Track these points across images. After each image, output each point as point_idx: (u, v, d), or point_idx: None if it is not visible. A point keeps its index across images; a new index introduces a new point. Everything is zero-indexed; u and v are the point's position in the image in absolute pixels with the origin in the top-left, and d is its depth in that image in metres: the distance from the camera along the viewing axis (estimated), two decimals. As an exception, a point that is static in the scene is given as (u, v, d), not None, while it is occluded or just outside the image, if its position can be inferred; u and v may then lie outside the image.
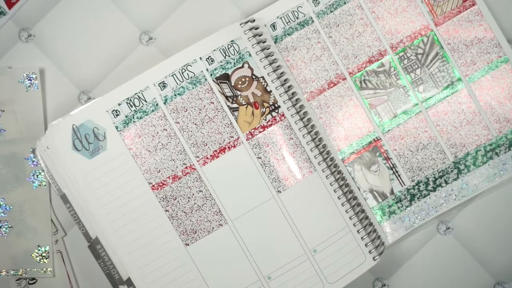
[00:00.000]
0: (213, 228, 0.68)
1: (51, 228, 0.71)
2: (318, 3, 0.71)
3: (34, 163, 0.71)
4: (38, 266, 0.71)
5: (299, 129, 0.69)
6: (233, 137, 0.68)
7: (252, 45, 0.69)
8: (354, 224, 0.69)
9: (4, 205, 0.71)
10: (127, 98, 0.67)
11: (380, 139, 0.72)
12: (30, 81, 0.71)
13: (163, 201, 0.67)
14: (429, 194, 0.71)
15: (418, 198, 0.71)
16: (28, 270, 0.71)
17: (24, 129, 0.71)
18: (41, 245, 0.71)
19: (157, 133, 0.67)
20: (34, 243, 0.71)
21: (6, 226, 0.71)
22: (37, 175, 0.71)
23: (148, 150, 0.67)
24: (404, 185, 0.71)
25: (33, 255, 0.71)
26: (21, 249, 0.71)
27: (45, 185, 0.71)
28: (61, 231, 0.72)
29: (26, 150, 0.71)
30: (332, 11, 0.71)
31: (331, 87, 0.71)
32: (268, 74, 0.69)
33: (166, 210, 0.67)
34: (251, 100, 0.68)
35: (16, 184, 0.71)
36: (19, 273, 0.71)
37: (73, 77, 0.73)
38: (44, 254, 0.71)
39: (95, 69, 0.73)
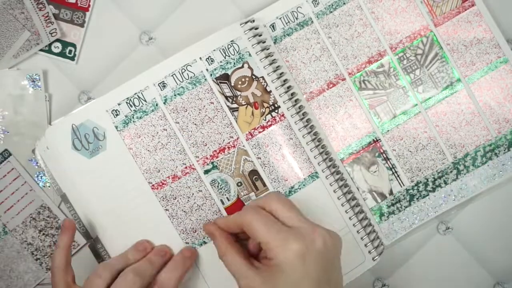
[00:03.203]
0: (212, 228, 0.68)
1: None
2: (317, 4, 0.71)
3: (38, 164, 0.71)
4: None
5: (298, 129, 0.69)
6: (232, 137, 0.68)
7: (252, 45, 0.69)
8: (353, 225, 0.69)
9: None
10: (127, 98, 0.67)
11: (380, 139, 0.72)
12: (33, 83, 0.71)
13: (163, 200, 0.67)
14: (428, 195, 0.71)
15: (417, 198, 0.71)
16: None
17: (27, 130, 0.71)
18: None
19: (157, 133, 0.67)
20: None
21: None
22: (41, 176, 0.71)
23: (148, 150, 0.67)
24: (403, 185, 0.71)
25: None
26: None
27: (49, 186, 0.71)
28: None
29: (30, 152, 0.71)
30: (331, 12, 0.71)
31: (331, 88, 0.71)
32: (268, 74, 0.69)
33: (166, 210, 0.67)
34: (251, 100, 0.69)
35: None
36: None
37: (73, 77, 0.73)
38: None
39: (95, 69, 0.73)
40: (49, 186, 0.71)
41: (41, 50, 0.72)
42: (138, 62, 0.73)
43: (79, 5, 0.73)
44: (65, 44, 0.73)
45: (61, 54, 0.73)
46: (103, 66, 0.73)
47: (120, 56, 0.73)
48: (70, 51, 0.73)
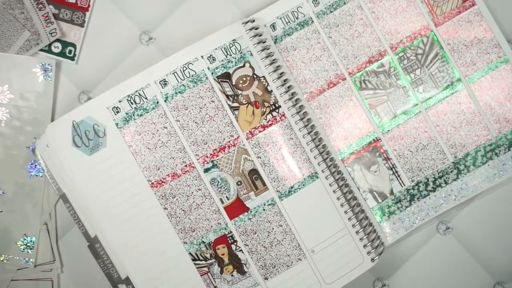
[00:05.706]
0: (211, 226, 0.68)
1: (40, 219, 0.71)
2: (318, 4, 0.72)
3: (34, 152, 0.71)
4: (21, 255, 0.71)
5: (299, 129, 0.69)
6: (233, 136, 0.68)
7: (254, 45, 0.69)
8: (353, 225, 0.69)
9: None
10: (128, 95, 0.67)
11: (380, 139, 0.72)
12: (45, 72, 0.71)
13: (162, 199, 0.67)
14: (428, 195, 0.71)
15: (417, 198, 0.71)
16: (10, 258, 0.70)
17: (29, 117, 0.71)
18: (28, 235, 0.71)
19: (157, 130, 0.67)
20: (21, 231, 0.71)
21: None
22: (35, 165, 0.71)
23: (148, 148, 0.67)
24: (404, 185, 0.71)
25: (18, 243, 0.70)
26: (6, 235, 0.71)
27: (41, 176, 0.71)
28: (58, 262, 0.72)
29: (30, 139, 0.71)
30: (332, 11, 0.72)
31: (331, 88, 0.71)
32: (269, 74, 0.69)
33: (165, 208, 0.67)
34: (252, 99, 0.69)
35: (12, 170, 0.71)
36: (1, 259, 0.70)
37: (73, 77, 0.73)
38: (29, 244, 0.70)
39: (95, 69, 0.73)
40: (41, 176, 0.71)
41: (41, 50, 0.72)
42: (138, 62, 0.73)
43: (79, 5, 0.73)
44: (65, 44, 0.73)
45: (61, 54, 0.73)
46: (103, 66, 0.73)
47: (120, 56, 0.73)
48: (70, 51, 0.73)
